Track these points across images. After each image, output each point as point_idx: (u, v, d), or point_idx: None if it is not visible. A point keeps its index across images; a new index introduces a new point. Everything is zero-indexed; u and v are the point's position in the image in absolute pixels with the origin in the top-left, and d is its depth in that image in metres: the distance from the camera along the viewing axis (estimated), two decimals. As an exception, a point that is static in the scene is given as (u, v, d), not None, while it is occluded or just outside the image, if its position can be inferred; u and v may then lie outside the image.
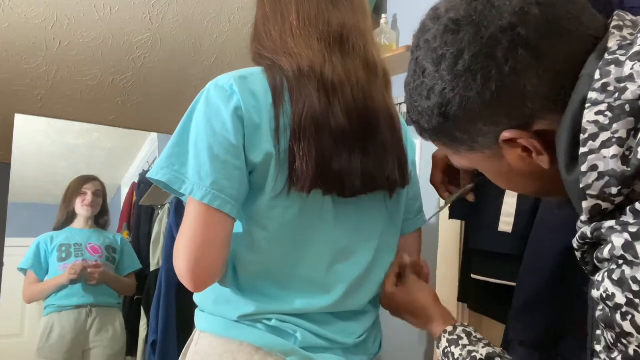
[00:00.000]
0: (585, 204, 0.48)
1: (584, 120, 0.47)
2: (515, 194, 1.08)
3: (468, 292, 1.28)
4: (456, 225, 1.41)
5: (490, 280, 1.13)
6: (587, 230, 0.49)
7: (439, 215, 1.00)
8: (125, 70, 2.22)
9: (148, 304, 2.29)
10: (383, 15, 1.72)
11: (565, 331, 0.86)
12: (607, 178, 0.46)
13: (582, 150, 0.47)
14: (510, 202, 1.08)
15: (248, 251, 0.79)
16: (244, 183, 0.75)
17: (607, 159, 0.45)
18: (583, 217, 0.50)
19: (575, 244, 0.53)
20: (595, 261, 0.49)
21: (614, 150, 0.45)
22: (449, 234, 1.43)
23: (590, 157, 0.47)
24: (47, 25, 1.94)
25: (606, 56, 0.49)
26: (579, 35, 0.52)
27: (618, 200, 0.46)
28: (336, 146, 0.77)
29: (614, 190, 0.46)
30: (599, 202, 0.47)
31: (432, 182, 0.97)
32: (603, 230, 0.47)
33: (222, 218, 0.73)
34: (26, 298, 2.17)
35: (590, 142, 0.47)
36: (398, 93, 1.61)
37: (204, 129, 0.74)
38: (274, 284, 0.81)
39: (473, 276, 1.18)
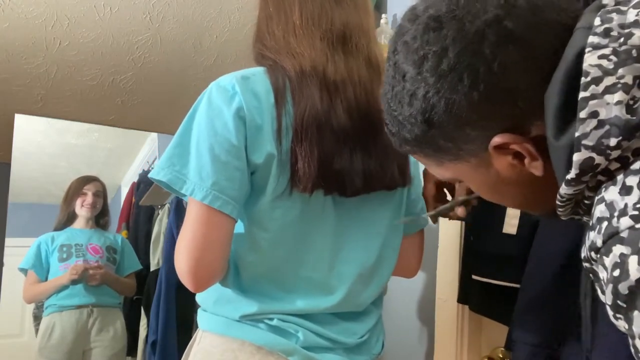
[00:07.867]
0: (576, 157, 0.43)
1: (585, 64, 0.43)
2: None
3: (468, 293, 1.28)
4: (456, 226, 1.40)
5: (493, 281, 1.13)
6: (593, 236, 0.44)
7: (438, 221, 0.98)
8: (125, 70, 2.21)
9: (148, 304, 2.29)
10: (383, 15, 1.71)
11: (570, 332, 0.86)
12: (607, 127, 0.41)
13: (582, 94, 0.43)
14: (514, 204, 1.08)
15: (249, 252, 0.80)
16: (245, 184, 0.75)
17: (611, 105, 0.41)
18: (571, 174, 0.45)
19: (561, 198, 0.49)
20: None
21: (618, 96, 0.41)
22: (449, 235, 1.43)
23: (591, 103, 0.42)
24: (47, 25, 1.94)
25: (605, 4, 0.46)
26: (564, 25, 0.48)
27: (614, 154, 0.42)
28: (338, 145, 0.77)
29: (613, 142, 0.41)
30: (593, 154, 0.42)
31: (424, 195, 0.96)
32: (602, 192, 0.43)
33: (223, 219, 0.74)
34: (26, 298, 2.16)
35: (593, 87, 0.42)
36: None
37: (206, 130, 0.74)
38: (276, 284, 0.81)
39: (474, 277, 1.18)
